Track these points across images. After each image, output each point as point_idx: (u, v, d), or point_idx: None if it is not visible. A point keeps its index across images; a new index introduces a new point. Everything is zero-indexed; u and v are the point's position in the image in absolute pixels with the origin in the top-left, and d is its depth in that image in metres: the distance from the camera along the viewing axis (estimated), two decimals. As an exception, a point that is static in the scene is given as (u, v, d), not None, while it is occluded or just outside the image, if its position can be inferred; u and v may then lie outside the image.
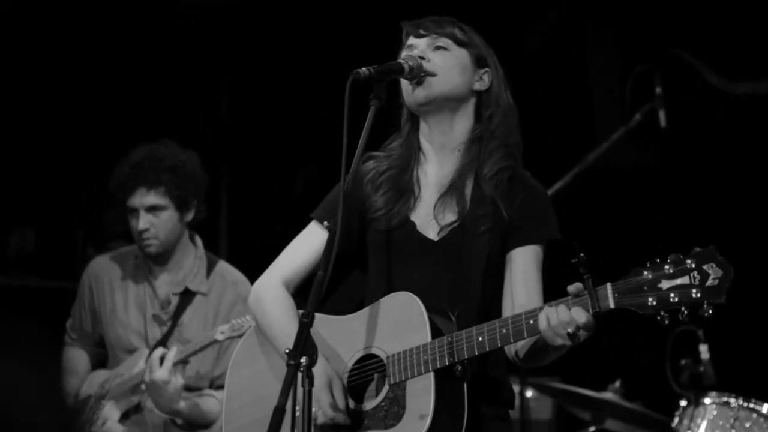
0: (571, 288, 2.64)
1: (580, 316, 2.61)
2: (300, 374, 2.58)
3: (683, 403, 4.67)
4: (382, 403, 2.87)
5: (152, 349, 4.51)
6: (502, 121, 3.03)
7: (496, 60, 3.10)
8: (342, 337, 2.99)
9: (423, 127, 3.08)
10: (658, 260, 2.54)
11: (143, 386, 4.41)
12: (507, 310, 2.93)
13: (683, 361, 4.79)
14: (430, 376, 2.79)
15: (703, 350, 4.79)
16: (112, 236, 4.69)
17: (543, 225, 2.97)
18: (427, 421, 2.75)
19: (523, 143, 3.08)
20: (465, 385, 2.80)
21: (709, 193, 5.93)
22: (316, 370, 2.72)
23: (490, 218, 2.94)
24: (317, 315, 2.97)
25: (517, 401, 3.11)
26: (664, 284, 2.50)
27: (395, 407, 2.84)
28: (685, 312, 2.50)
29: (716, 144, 5.93)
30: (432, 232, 3.01)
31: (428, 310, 2.85)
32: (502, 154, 3.00)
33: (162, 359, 4.29)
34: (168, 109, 6.66)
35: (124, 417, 4.49)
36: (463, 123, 3.04)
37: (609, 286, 2.56)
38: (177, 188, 4.49)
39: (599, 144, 5.42)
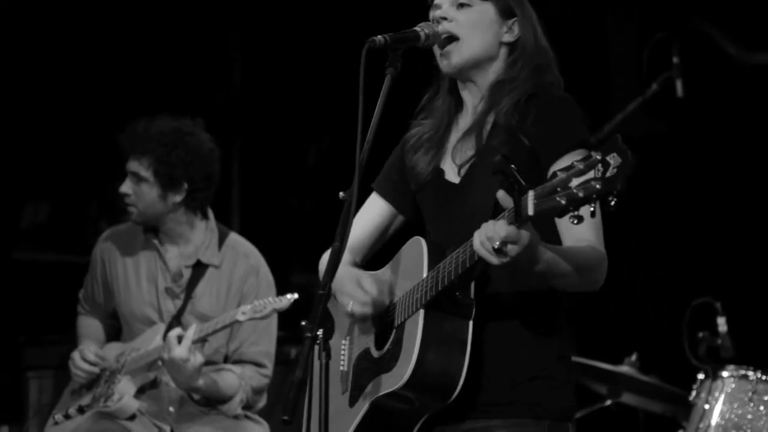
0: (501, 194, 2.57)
1: (501, 228, 2.52)
2: (317, 346, 2.57)
3: (701, 376, 4.63)
4: (389, 347, 2.88)
5: (168, 324, 4.50)
6: (527, 63, 2.97)
7: (525, 4, 3.02)
8: (376, 291, 2.98)
9: (458, 84, 3.06)
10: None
11: (160, 362, 4.40)
12: (563, 234, 2.81)
13: (701, 334, 4.75)
14: (420, 313, 2.77)
15: (721, 323, 4.75)
16: (125, 209, 4.66)
17: (571, 131, 2.85)
18: (412, 360, 2.72)
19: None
20: (470, 324, 2.75)
21: (726, 163, 5.88)
22: (341, 272, 2.72)
23: (505, 145, 2.86)
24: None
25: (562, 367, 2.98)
26: (574, 182, 2.40)
27: (396, 348, 2.84)
28: (592, 208, 2.38)
29: (734, 114, 5.87)
30: (454, 175, 2.98)
31: (438, 250, 2.83)
32: (520, 90, 2.94)
33: (180, 338, 4.27)
34: (180, 80, 6.62)
35: (140, 392, 4.49)
36: (493, 72, 3.00)
37: (530, 192, 2.47)
38: (162, 164, 4.43)
39: (615, 114, 5.37)
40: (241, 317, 4.24)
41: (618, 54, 6.28)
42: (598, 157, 2.38)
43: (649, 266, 5.88)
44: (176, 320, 4.51)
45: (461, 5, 2.97)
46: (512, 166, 2.48)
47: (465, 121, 3.04)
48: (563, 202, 2.40)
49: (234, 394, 4.44)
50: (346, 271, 2.95)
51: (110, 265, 4.65)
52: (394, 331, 2.88)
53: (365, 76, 2.75)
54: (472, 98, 3.03)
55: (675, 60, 5.28)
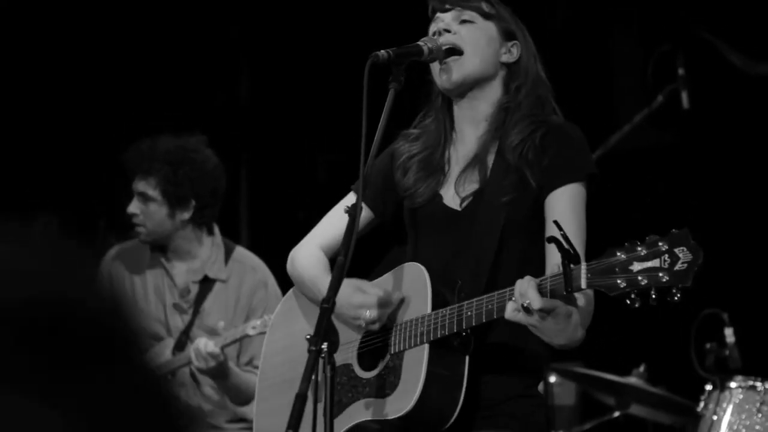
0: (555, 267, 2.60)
1: (536, 300, 2.52)
2: (321, 360, 2.58)
3: (708, 387, 4.62)
4: (383, 372, 2.88)
5: (177, 339, 4.52)
6: (530, 92, 2.98)
7: (526, 34, 3.05)
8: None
9: (453, 102, 3.06)
10: (635, 241, 2.49)
11: (169, 377, 4.42)
12: (549, 262, 2.82)
13: (708, 345, 4.74)
14: (425, 348, 2.78)
15: (729, 334, 4.74)
16: (134, 225, 4.68)
17: (573, 162, 2.88)
18: (416, 393, 2.74)
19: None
20: (467, 358, 2.78)
21: (733, 174, 5.88)
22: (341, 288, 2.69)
23: (513, 187, 2.88)
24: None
25: (540, 386, 3.04)
26: (636, 266, 2.43)
27: (392, 377, 2.84)
28: (654, 296, 2.43)
29: (740, 124, 5.87)
30: (456, 204, 2.99)
31: (439, 280, 2.84)
32: (527, 123, 2.94)
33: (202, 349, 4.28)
34: (188, 96, 6.64)
35: (149, 406, 4.50)
36: (490, 96, 3.00)
37: (583, 265, 2.51)
38: (170, 183, 4.44)
39: (621, 126, 5.37)
40: (251, 332, 4.26)
41: (622, 66, 6.29)
42: (665, 248, 2.42)
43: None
44: (185, 335, 4.53)
45: (464, 21, 2.98)
46: (562, 232, 2.51)
47: (465, 149, 3.03)
48: (623, 285, 2.44)
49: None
50: (346, 284, 2.87)
51: (117, 281, 4.67)
52: (389, 356, 2.88)
53: (369, 91, 2.76)
54: (470, 126, 3.02)
55: (680, 71, 5.29)
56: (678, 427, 5.16)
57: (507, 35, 3.02)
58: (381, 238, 3.19)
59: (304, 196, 6.94)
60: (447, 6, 3.00)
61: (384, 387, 2.85)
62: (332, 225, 3.12)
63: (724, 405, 4.52)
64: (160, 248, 4.62)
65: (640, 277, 2.42)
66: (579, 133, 2.94)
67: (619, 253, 2.46)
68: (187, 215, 4.51)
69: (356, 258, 2.86)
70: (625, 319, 6.00)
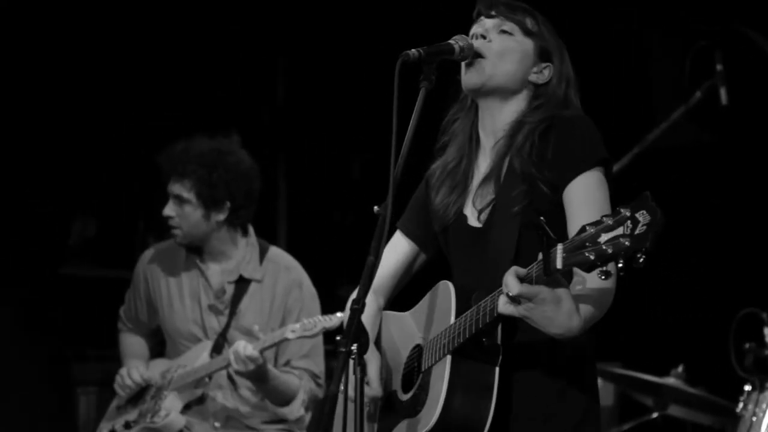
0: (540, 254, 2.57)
1: (514, 287, 2.54)
2: (351, 361, 2.58)
3: (748, 387, 4.58)
4: (416, 391, 2.88)
5: (215, 341, 4.53)
6: (548, 111, 2.95)
7: (565, 56, 3.01)
8: (401, 331, 3.03)
9: (479, 109, 3.04)
10: (605, 214, 2.45)
11: (207, 379, 4.44)
12: None
13: (747, 345, 4.70)
14: (447, 360, 2.77)
15: (768, 333, 4.70)
16: (170, 227, 4.70)
17: (579, 153, 2.83)
18: (439, 406, 2.72)
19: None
20: (496, 369, 2.74)
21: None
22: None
23: (523, 196, 2.86)
24: (387, 314, 3.10)
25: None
26: (603, 237, 2.40)
27: (422, 393, 2.84)
28: (620, 264, 2.38)
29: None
30: (475, 219, 2.98)
31: (465, 294, 2.83)
32: (534, 125, 2.91)
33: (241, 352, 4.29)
34: (225, 97, 6.67)
35: (186, 408, 4.52)
36: (513, 109, 2.98)
37: (559, 246, 2.48)
38: (204, 185, 4.46)
39: (659, 123, 5.33)
40: (290, 335, 4.26)
41: (659, 62, 6.23)
42: (627, 214, 2.38)
43: (694, 277, 5.82)
44: (222, 337, 4.54)
45: (503, 32, 2.97)
46: (541, 218, 2.49)
47: (484, 162, 3.02)
48: (592, 257, 2.41)
49: (296, 393, 4.46)
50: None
51: (153, 283, 4.69)
52: (421, 375, 2.88)
53: (400, 90, 2.75)
54: (490, 137, 3.01)
55: (718, 67, 5.24)
56: (717, 428, 5.12)
57: (543, 56, 2.99)
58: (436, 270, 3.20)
59: (340, 196, 6.96)
60: (492, 12, 2.99)
61: (416, 405, 2.85)
62: (383, 263, 3.00)
63: (764, 406, 4.48)
64: (196, 249, 4.63)
65: (605, 247, 2.39)
66: (585, 123, 2.87)
67: (589, 228, 2.44)
68: (222, 217, 4.52)
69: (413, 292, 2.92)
70: (664, 320, 5.98)
